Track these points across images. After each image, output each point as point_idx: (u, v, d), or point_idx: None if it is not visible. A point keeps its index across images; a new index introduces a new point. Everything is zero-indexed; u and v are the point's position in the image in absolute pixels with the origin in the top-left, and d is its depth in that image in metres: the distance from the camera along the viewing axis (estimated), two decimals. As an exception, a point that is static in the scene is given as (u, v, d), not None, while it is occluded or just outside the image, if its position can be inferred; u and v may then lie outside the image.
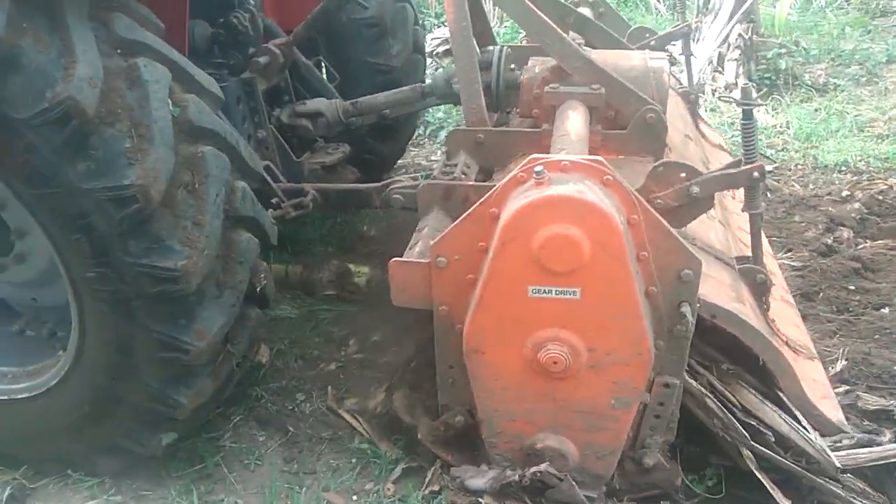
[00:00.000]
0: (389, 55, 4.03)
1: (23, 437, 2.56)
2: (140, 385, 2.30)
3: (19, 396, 2.50)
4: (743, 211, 2.39)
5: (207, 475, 2.59)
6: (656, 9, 8.94)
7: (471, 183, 2.58)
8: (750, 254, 2.49)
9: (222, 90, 3.09)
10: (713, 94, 6.19)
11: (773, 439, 2.27)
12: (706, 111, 5.78)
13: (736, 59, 6.49)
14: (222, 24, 3.21)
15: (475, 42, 3.03)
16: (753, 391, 2.35)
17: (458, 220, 2.12)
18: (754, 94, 2.25)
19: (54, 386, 2.42)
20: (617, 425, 2.19)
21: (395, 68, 4.00)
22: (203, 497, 2.49)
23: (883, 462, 2.26)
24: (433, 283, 2.20)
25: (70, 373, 2.36)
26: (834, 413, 2.33)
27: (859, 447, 2.28)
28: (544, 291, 2.00)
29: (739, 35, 6.58)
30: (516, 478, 2.26)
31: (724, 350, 2.31)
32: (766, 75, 6.44)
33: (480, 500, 2.31)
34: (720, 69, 6.61)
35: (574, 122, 2.60)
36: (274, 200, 3.05)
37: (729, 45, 6.65)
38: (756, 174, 2.24)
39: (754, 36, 6.68)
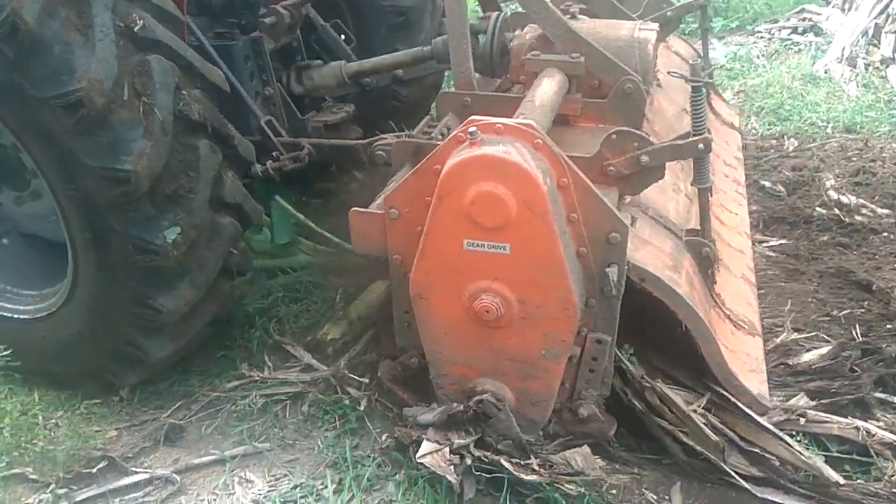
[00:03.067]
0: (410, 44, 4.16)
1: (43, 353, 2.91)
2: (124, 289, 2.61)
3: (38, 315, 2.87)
4: (692, 184, 2.46)
5: (352, 430, 2.78)
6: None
7: (437, 142, 2.73)
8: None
9: (231, 49, 3.37)
10: (866, 69, 5.75)
11: (777, 464, 2.37)
12: (858, 86, 5.56)
13: (895, 32, 5.97)
14: (236, -16, 3.42)
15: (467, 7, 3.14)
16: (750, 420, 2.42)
17: (407, 175, 2.29)
18: (702, 72, 2.30)
19: (62, 304, 2.76)
20: (548, 375, 2.35)
21: (407, 8, 4.12)
22: (351, 451, 2.68)
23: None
24: (387, 233, 2.39)
25: (71, 290, 2.68)
26: (757, 387, 2.41)
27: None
28: (477, 245, 2.15)
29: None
30: (461, 408, 2.43)
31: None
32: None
33: (424, 434, 2.51)
34: (876, 42, 6.07)
35: (544, 88, 2.71)
36: (274, 153, 3.29)
37: (889, 16, 6.10)
38: (702, 146, 2.32)
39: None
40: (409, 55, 3.62)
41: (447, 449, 2.37)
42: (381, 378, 2.75)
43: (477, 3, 3.71)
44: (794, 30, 6.89)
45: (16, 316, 2.90)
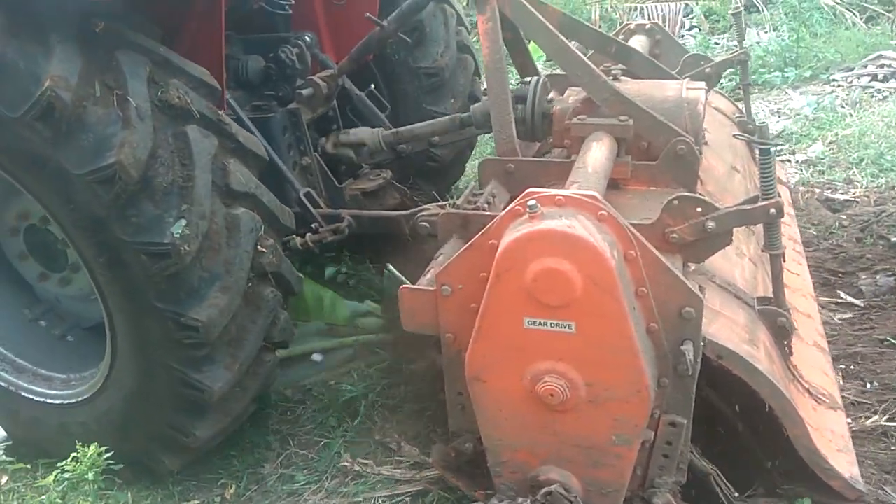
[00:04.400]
0: (434, 56, 4.15)
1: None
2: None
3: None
4: (763, 250, 2.31)
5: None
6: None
7: (487, 213, 2.62)
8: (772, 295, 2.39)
9: (269, 121, 3.34)
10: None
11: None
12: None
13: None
14: (272, 58, 3.42)
15: (513, 74, 3.10)
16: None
17: (461, 250, 2.17)
18: (770, 133, 2.18)
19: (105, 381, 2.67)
20: (620, 462, 2.16)
21: (441, 69, 4.10)
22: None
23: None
24: (439, 311, 2.26)
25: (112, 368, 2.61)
26: (847, 468, 2.20)
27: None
28: (539, 323, 2.01)
29: None
30: (528, 503, 2.24)
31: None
32: None
33: None
34: None
35: (594, 154, 2.60)
36: (313, 225, 3.21)
37: None
38: (773, 210, 2.17)
39: None
40: (446, 122, 3.57)
41: None
42: (434, 464, 2.57)
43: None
44: (874, 77, 6.71)
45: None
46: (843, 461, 2.27)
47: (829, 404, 2.50)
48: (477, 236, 2.12)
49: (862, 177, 4.96)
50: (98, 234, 2.36)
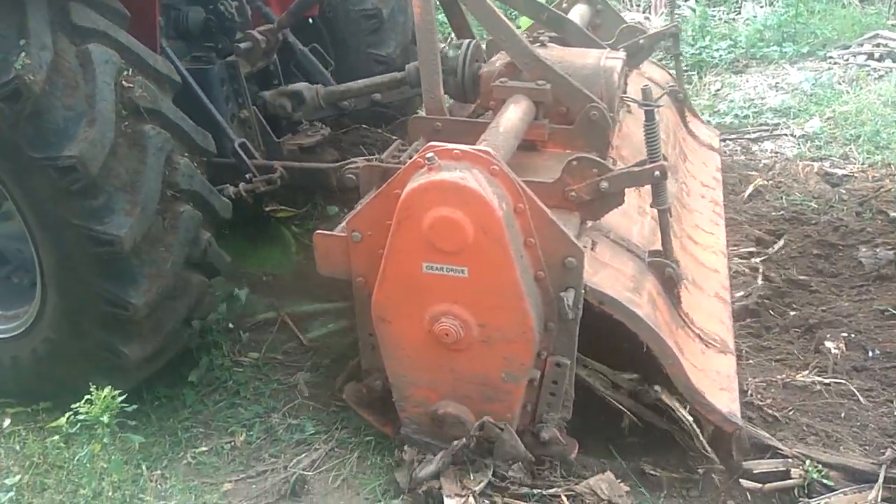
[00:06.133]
0: (386, 46, 4.25)
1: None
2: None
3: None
4: (651, 207, 2.50)
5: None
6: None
7: (402, 166, 2.77)
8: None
9: (207, 72, 3.42)
10: None
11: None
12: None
13: None
14: (212, 10, 3.49)
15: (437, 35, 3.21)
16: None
17: (369, 198, 2.33)
18: (654, 96, 2.36)
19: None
20: (509, 398, 2.37)
21: (379, 10, 4.21)
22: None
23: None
24: (350, 256, 2.42)
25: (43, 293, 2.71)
26: (727, 404, 2.43)
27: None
28: (436, 268, 2.19)
29: None
30: (464, 442, 2.40)
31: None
32: None
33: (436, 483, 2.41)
34: None
35: (508, 115, 2.76)
36: (248, 175, 3.33)
37: None
38: (657, 173, 2.36)
39: None
40: (384, 80, 3.69)
41: (472, 499, 2.33)
42: (347, 401, 2.75)
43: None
44: (870, 56, 6.81)
45: None
46: (724, 398, 2.49)
47: (720, 348, 2.72)
48: (383, 186, 2.28)
49: (859, 153, 4.99)
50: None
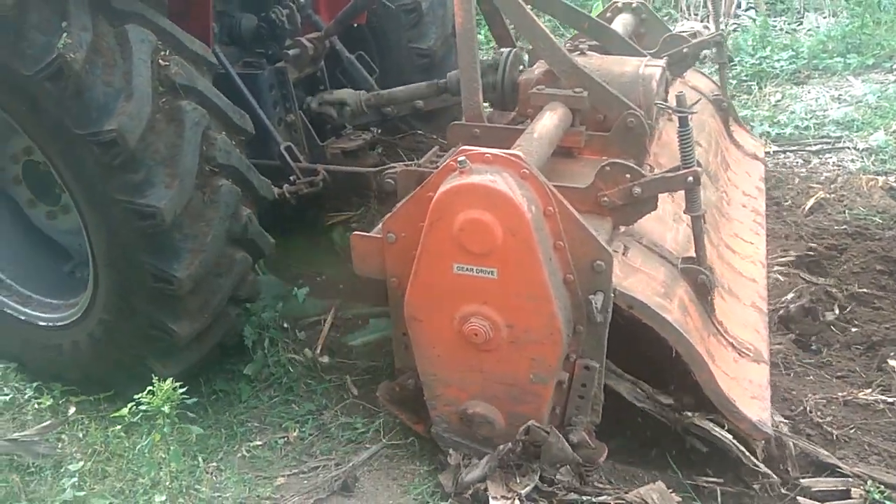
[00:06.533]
0: (427, 40, 4.32)
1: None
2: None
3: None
4: (685, 213, 2.51)
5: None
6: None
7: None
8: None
9: (257, 77, 3.56)
10: None
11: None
12: None
13: None
14: (264, 17, 3.63)
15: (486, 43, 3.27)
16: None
17: (404, 201, 2.40)
18: (688, 102, 2.36)
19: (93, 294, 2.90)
20: (537, 399, 2.40)
21: (431, 52, 4.28)
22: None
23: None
24: (385, 257, 2.49)
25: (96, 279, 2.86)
26: (757, 413, 2.41)
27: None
28: (466, 269, 2.24)
29: None
30: (509, 447, 2.43)
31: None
32: None
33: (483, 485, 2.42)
34: None
35: (544, 122, 2.80)
36: (292, 178, 3.45)
37: None
38: (690, 178, 2.37)
39: None
40: (425, 87, 3.76)
41: (517, 502, 2.35)
42: (380, 399, 2.82)
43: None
44: None
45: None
46: (755, 407, 2.47)
47: (753, 357, 2.70)
48: (417, 189, 2.35)
49: None
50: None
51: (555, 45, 3.03)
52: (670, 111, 2.42)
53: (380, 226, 2.59)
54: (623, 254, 2.49)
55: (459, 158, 2.15)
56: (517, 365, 2.34)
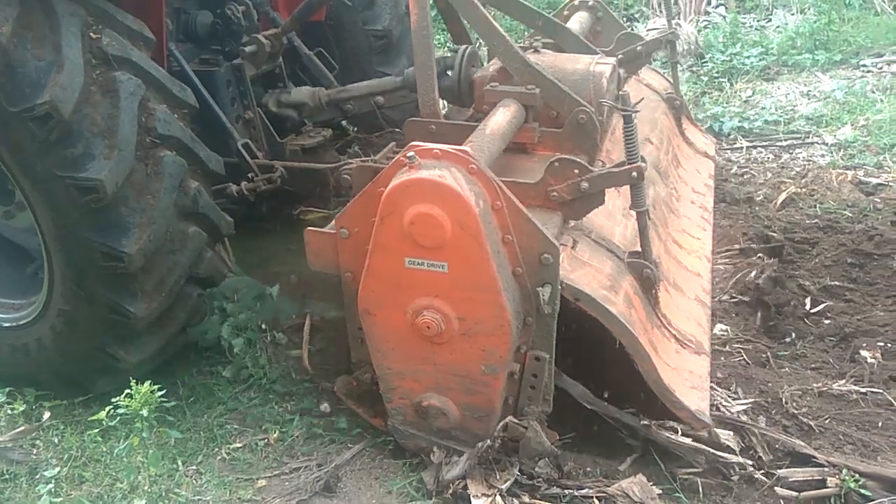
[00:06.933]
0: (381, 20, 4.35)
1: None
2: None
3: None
4: (630, 209, 2.58)
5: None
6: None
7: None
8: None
9: (214, 74, 3.55)
10: None
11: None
12: None
13: None
14: (220, 14, 3.63)
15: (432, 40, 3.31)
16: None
17: (356, 196, 2.43)
18: (632, 101, 2.44)
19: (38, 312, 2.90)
20: (489, 390, 2.45)
21: (387, 31, 4.33)
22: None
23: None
24: (339, 252, 2.52)
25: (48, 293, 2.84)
26: (696, 403, 2.49)
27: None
28: (418, 263, 2.28)
29: None
30: (488, 444, 2.47)
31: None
32: None
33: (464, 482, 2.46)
34: None
35: (496, 118, 2.85)
36: (249, 175, 3.45)
37: None
38: (634, 174, 2.44)
39: None
40: (384, 83, 3.80)
41: (499, 498, 2.39)
42: (337, 393, 2.85)
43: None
44: None
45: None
46: (694, 397, 2.56)
47: (695, 349, 2.79)
48: (369, 184, 2.38)
49: (893, 162, 4.93)
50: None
51: (508, 43, 3.08)
52: (616, 109, 2.48)
53: (333, 222, 2.62)
54: (572, 247, 2.56)
55: (409, 154, 2.19)
56: (469, 357, 2.39)
